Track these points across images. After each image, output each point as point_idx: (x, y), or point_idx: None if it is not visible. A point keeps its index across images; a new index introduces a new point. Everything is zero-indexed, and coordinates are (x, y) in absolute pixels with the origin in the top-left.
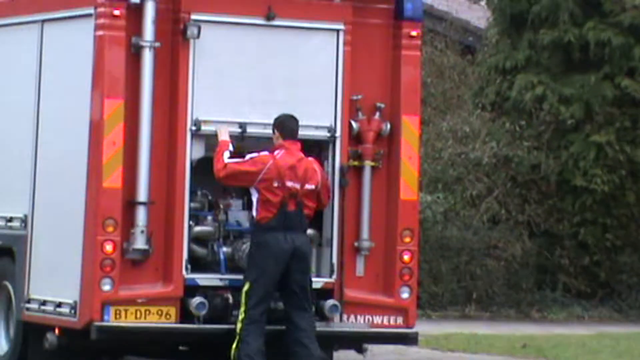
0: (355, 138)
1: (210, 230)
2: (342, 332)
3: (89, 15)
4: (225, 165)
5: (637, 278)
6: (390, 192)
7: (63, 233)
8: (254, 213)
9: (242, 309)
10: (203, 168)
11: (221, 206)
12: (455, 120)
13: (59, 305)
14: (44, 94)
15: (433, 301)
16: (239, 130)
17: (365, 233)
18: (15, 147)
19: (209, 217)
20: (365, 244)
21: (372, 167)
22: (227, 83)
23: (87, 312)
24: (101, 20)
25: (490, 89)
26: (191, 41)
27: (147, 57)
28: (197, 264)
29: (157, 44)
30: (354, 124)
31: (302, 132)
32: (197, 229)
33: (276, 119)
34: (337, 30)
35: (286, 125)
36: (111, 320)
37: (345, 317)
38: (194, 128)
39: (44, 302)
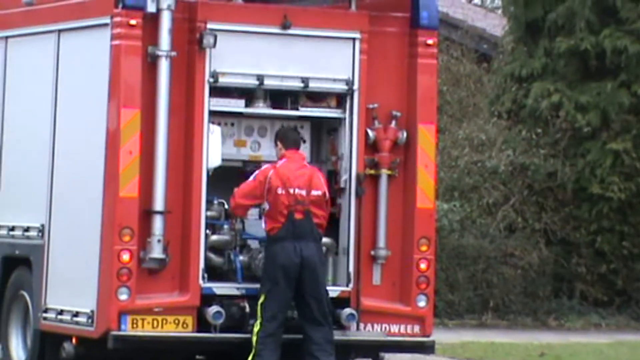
0: (372, 146)
1: (227, 239)
2: (358, 340)
3: (106, 24)
4: (233, 194)
5: None
6: (407, 200)
7: (80, 242)
8: (263, 225)
9: (259, 321)
10: (219, 177)
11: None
12: (472, 128)
13: (76, 314)
14: (61, 104)
15: (450, 309)
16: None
17: (381, 241)
18: (32, 156)
19: (226, 226)
20: (382, 252)
21: (389, 176)
22: None
23: (104, 321)
24: (117, 30)
25: (506, 97)
26: (207, 50)
27: (164, 67)
28: (213, 273)
29: (174, 53)
30: (370, 133)
31: (320, 85)
32: (214, 237)
33: (278, 131)
34: (354, 39)
35: (288, 135)
36: (128, 329)
37: (362, 325)
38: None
39: (61, 312)
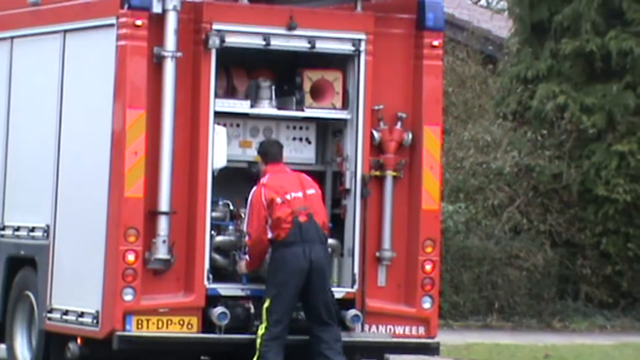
0: (377, 148)
1: (232, 240)
2: (363, 342)
3: (111, 25)
4: (246, 234)
5: None
6: (412, 202)
7: (85, 243)
8: (269, 234)
9: (264, 324)
10: (224, 178)
11: (242, 216)
12: (477, 129)
13: (81, 315)
14: (66, 104)
15: (454, 311)
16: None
17: (386, 243)
18: (38, 157)
19: (231, 227)
20: (387, 254)
21: (394, 177)
22: None
23: (109, 321)
24: (123, 30)
25: (511, 99)
26: (213, 51)
27: (169, 67)
28: (218, 273)
29: (179, 54)
30: (375, 134)
31: (326, 45)
32: (219, 238)
33: (260, 145)
34: (359, 40)
35: (267, 150)
36: (133, 330)
37: (366, 327)
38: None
39: (66, 312)
